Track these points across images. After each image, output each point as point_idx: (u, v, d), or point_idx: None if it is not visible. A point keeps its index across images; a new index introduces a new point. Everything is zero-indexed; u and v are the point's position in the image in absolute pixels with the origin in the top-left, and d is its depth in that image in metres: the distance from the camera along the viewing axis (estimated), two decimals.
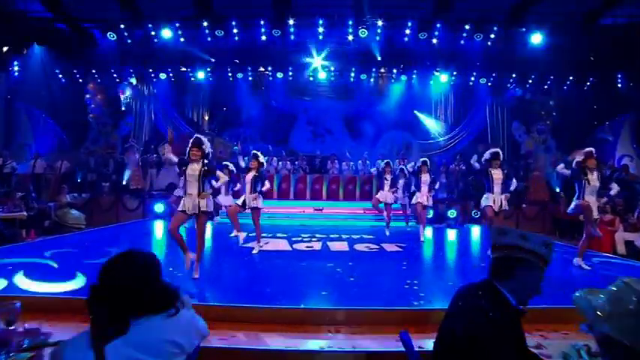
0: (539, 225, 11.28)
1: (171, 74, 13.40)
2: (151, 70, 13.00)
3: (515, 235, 1.53)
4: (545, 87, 13.82)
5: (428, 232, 9.32)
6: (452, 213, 10.73)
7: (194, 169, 4.51)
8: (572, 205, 5.35)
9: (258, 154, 6.55)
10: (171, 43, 11.29)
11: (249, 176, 6.33)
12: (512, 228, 1.75)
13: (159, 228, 9.45)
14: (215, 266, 5.38)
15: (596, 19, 11.28)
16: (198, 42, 11.58)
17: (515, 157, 13.55)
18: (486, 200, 6.06)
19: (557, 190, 11.75)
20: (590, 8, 10.98)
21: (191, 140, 4.60)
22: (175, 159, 4.68)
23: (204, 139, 4.64)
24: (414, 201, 7.82)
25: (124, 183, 11.81)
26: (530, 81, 13.59)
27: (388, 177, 8.32)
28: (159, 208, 10.84)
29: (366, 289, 4.12)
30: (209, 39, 11.24)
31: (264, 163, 6.46)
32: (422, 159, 7.90)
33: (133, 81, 13.23)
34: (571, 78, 13.67)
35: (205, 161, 4.57)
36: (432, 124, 14.57)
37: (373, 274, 4.91)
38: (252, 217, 6.37)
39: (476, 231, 9.87)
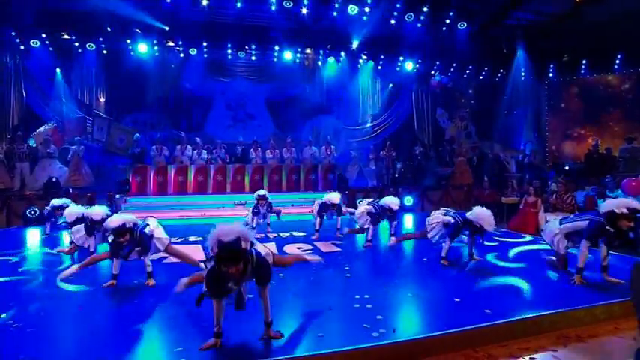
0: (464, 209, 11.48)
1: (47, 42, 10.65)
2: (14, 34, 10.08)
3: None
4: (465, 75, 14.22)
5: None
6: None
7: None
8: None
9: None
10: None
11: None
12: None
13: (33, 237, 7.27)
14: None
15: (505, 15, 11.75)
16: (82, 1, 9.21)
17: (441, 143, 13.71)
18: None
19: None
20: (500, 5, 11.33)
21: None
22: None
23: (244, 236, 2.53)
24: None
25: None
26: (452, 69, 13.84)
27: None
28: (32, 212, 8.49)
29: (307, 318, 3.09)
30: None
31: None
32: None
33: None
34: (486, 68, 14.27)
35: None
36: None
37: (312, 288, 3.91)
38: None
39: (409, 220, 9.50)
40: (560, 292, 3.61)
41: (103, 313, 3.31)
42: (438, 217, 4.94)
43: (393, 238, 5.89)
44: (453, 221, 4.71)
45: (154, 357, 2.59)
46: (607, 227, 3.66)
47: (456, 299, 3.43)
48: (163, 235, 4.21)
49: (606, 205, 3.75)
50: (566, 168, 11.44)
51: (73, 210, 5.43)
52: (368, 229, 5.96)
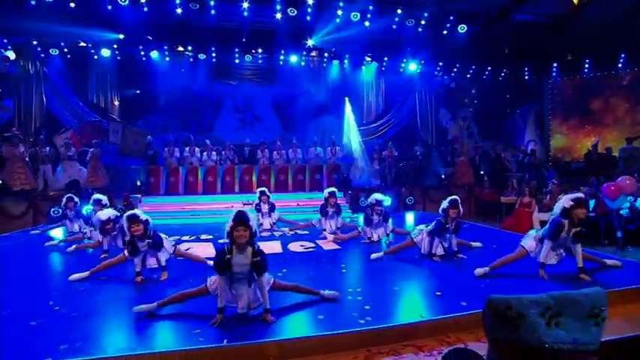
0: (465, 208, 11.72)
1: (65, 49, 11.26)
2: (35, 43, 10.70)
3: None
4: (468, 76, 14.43)
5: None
6: (386, 200, 10.62)
7: (242, 262, 3.15)
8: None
9: None
10: (58, 8, 9.29)
11: None
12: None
13: (57, 235, 7.82)
14: None
15: (507, 16, 11.92)
16: (96, 11, 9.74)
17: (443, 143, 13.99)
18: None
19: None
20: (502, 5, 11.50)
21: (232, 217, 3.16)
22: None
23: (248, 213, 3.19)
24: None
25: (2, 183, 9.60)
26: (455, 69, 14.07)
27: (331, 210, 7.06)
28: (56, 212, 9.07)
29: (304, 307, 3.52)
30: (109, 7, 9.50)
31: None
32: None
33: (10, 54, 10.58)
34: (489, 68, 14.46)
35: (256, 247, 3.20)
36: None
37: (310, 281, 4.33)
38: None
39: (410, 218, 9.86)
40: (526, 287, 3.93)
41: (131, 304, 3.76)
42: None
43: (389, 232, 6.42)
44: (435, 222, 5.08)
45: (177, 338, 3.03)
46: (565, 221, 3.96)
47: (438, 293, 3.82)
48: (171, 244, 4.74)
49: (557, 206, 4.10)
50: (566, 168, 11.63)
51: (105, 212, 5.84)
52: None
